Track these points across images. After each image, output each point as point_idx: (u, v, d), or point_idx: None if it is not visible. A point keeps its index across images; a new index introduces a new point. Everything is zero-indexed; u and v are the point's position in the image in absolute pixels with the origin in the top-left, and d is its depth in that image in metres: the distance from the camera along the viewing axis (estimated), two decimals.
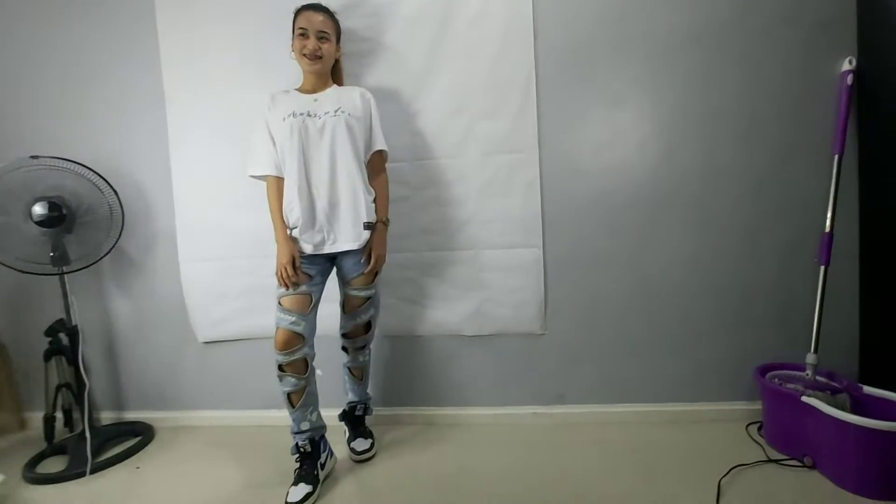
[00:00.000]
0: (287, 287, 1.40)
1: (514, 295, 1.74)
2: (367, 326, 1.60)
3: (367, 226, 1.48)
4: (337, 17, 1.54)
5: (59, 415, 1.88)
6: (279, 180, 1.46)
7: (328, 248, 1.46)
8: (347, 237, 1.47)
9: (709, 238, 1.65)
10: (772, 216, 1.62)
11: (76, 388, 1.82)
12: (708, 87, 1.61)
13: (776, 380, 1.54)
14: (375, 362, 1.81)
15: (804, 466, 1.37)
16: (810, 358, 1.49)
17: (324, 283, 1.51)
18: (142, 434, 1.89)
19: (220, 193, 1.83)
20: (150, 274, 1.96)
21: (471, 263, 1.75)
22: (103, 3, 1.85)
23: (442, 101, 1.71)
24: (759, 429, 1.58)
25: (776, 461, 1.42)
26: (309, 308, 1.43)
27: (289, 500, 1.32)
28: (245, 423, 1.93)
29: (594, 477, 1.42)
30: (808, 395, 1.37)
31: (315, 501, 1.35)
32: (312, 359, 1.46)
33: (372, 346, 1.68)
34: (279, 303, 1.41)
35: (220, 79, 1.80)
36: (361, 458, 1.58)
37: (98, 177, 1.74)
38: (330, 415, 1.62)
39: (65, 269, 1.72)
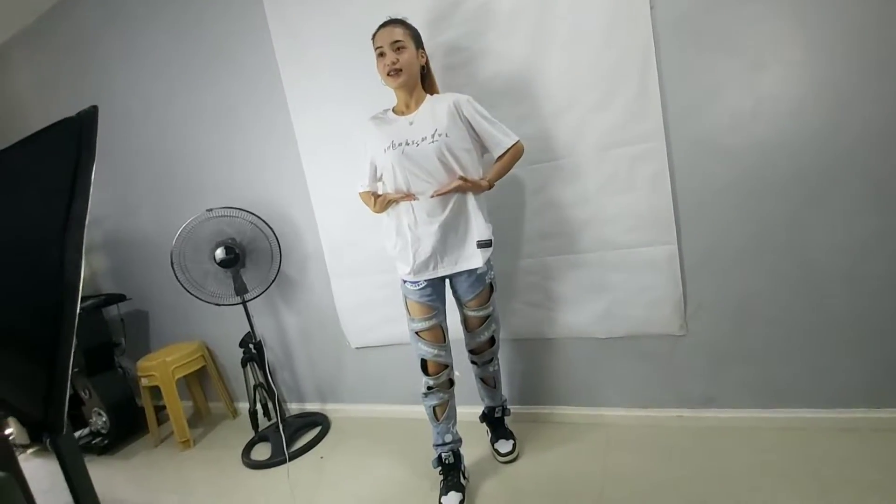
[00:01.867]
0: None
1: (644, 294, 1.63)
2: (491, 342, 1.64)
3: (482, 244, 1.48)
4: (426, 28, 1.53)
5: (259, 408, 2.34)
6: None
7: (440, 271, 1.50)
8: (461, 261, 1.49)
9: (889, 219, 1.34)
10: None
11: (268, 388, 2.23)
12: (890, 25, 1.26)
13: None
14: (511, 362, 1.87)
15: None
16: None
17: (444, 304, 1.58)
18: (321, 424, 2.26)
19: (353, 217, 1.99)
20: (308, 290, 2.27)
21: (596, 265, 1.67)
22: (235, 59, 2.10)
23: (548, 99, 1.61)
24: None
25: None
26: (445, 337, 1.54)
27: None
28: (393, 416, 2.17)
29: (759, 491, 1.32)
30: None
31: None
32: (453, 377, 1.57)
33: (499, 354, 1.73)
34: (419, 335, 1.53)
35: (338, 116, 1.94)
36: (506, 460, 1.67)
37: (257, 217, 2.04)
38: (467, 412, 1.74)
39: (245, 297, 2.09)
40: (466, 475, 1.59)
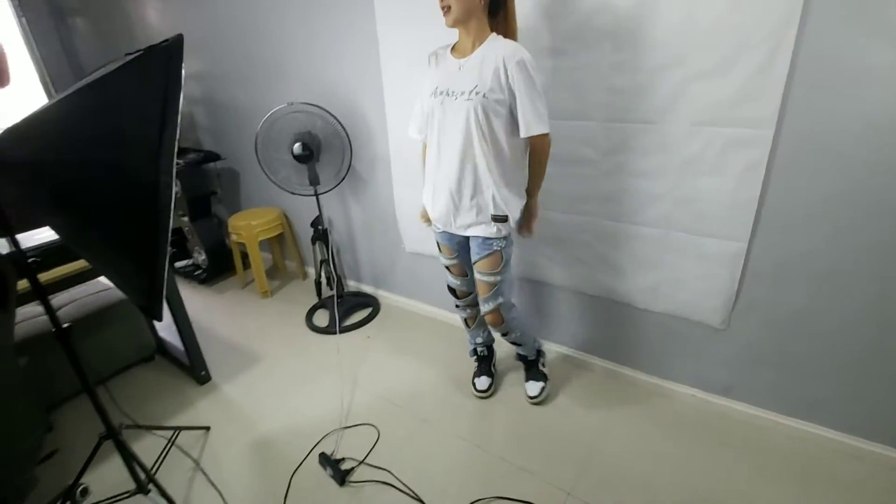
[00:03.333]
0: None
1: (697, 282, 1.57)
2: (499, 317, 1.60)
3: (496, 218, 1.45)
4: None
5: (323, 279, 2.68)
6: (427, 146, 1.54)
7: (454, 230, 1.53)
8: (471, 224, 1.49)
9: None
10: None
11: (331, 266, 2.52)
12: None
13: None
14: (550, 304, 1.98)
15: None
16: None
17: (468, 253, 1.60)
18: (372, 306, 2.57)
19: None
20: (373, 189, 2.39)
21: (657, 242, 1.60)
22: None
23: (653, 50, 1.39)
24: None
25: None
26: (467, 273, 1.65)
27: (478, 387, 1.81)
28: (434, 317, 2.42)
29: (740, 493, 1.43)
30: None
31: (495, 389, 1.83)
32: None
33: (519, 319, 1.72)
34: (446, 267, 1.69)
35: (422, 17, 1.79)
36: (533, 402, 1.80)
37: (333, 117, 2.08)
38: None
39: (317, 188, 2.25)
40: (496, 368, 1.88)
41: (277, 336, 2.42)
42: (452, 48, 1.44)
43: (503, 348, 1.96)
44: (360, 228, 2.58)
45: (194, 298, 2.93)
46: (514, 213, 1.48)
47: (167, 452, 1.64)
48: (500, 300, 1.58)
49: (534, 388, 1.82)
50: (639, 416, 1.73)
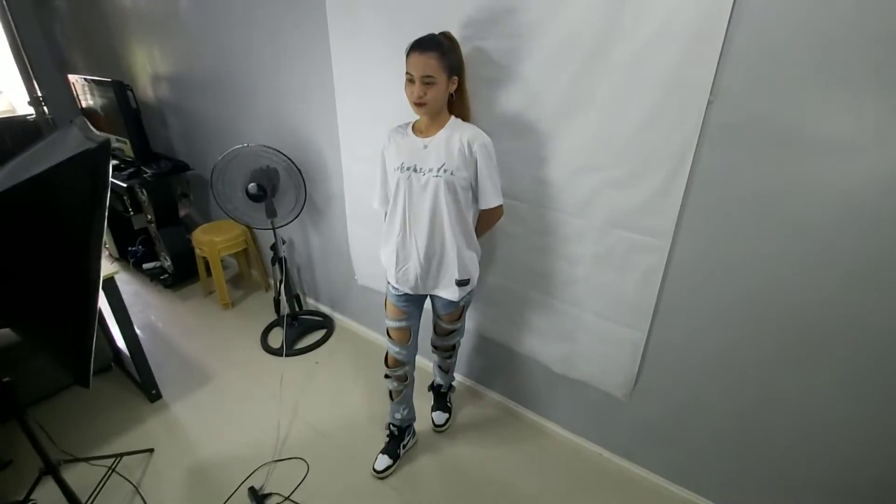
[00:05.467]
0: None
1: (603, 359, 1.71)
2: (454, 347, 1.86)
3: (460, 283, 1.58)
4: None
5: (282, 298, 2.78)
6: None
7: (420, 292, 1.64)
8: (440, 287, 1.61)
9: (863, 405, 1.27)
10: None
11: (287, 290, 2.62)
12: None
13: None
14: (476, 342, 2.11)
15: None
16: None
17: (421, 313, 1.75)
18: (327, 328, 2.69)
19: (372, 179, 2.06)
20: (329, 221, 2.47)
21: (574, 319, 1.72)
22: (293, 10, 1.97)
23: (575, 153, 1.48)
24: None
25: None
26: (409, 340, 1.73)
27: (375, 466, 1.85)
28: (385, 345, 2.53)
29: None
30: None
31: (393, 471, 1.86)
32: (412, 373, 1.82)
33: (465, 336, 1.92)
34: (388, 331, 1.74)
35: (377, 79, 1.85)
36: (438, 430, 2.02)
37: (285, 158, 2.16)
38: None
39: (274, 221, 2.33)
40: (405, 447, 1.93)
41: (231, 354, 2.54)
42: (412, 127, 1.54)
43: (421, 429, 2.03)
44: (317, 253, 2.68)
45: (158, 303, 3.04)
46: (475, 273, 1.62)
47: (107, 479, 1.78)
48: (458, 338, 1.86)
49: (440, 417, 2.03)
50: (550, 467, 1.88)
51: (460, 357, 2.15)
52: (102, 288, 1.89)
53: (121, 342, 2.34)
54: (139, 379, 2.18)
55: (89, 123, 1.43)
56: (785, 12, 1.06)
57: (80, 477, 1.74)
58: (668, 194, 1.34)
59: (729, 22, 1.11)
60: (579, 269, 1.63)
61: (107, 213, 1.23)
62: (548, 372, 1.90)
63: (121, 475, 1.81)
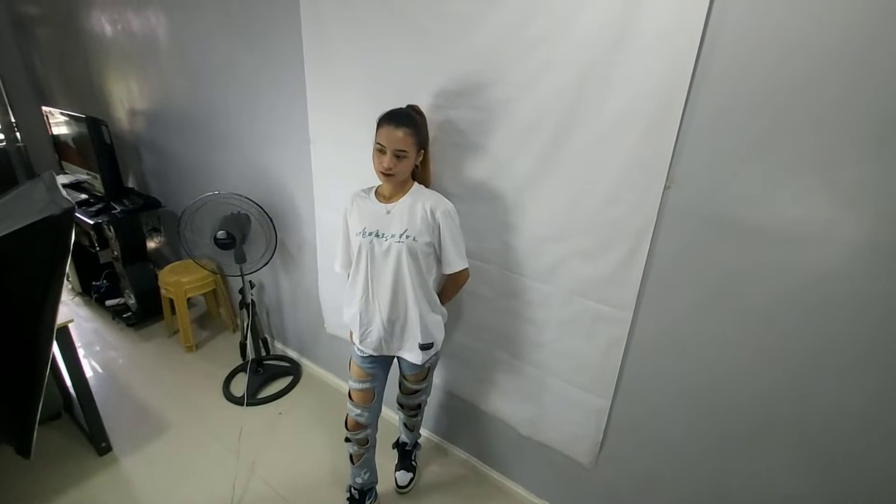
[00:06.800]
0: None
1: (568, 425, 1.69)
2: (420, 406, 1.83)
3: (423, 346, 1.57)
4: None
5: (248, 342, 2.71)
6: None
7: (385, 353, 1.62)
8: (404, 350, 1.60)
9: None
10: None
11: (254, 335, 2.56)
12: None
13: None
14: (443, 398, 2.07)
15: None
16: None
17: (386, 374, 1.72)
18: (293, 375, 2.62)
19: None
20: (301, 268, 2.44)
21: (539, 382, 1.71)
22: (266, 50, 1.99)
23: (540, 224, 1.50)
24: None
25: None
26: (372, 401, 1.69)
27: None
28: None
29: None
30: None
31: None
32: (374, 437, 1.77)
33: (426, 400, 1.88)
34: (349, 392, 1.70)
35: (352, 134, 1.87)
36: (401, 491, 1.96)
37: (257, 206, 2.14)
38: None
39: (242, 267, 2.29)
40: None
41: (191, 401, 2.45)
42: (375, 192, 1.54)
43: (384, 490, 1.98)
44: (288, 298, 2.64)
45: (119, 343, 2.93)
46: (439, 336, 1.61)
47: None
48: (424, 398, 1.84)
49: (404, 477, 1.97)
50: None
51: (427, 412, 2.11)
52: (56, 333, 1.82)
53: (72, 389, 2.25)
54: (88, 430, 2.08)
55: (57, 180, 1.40)
56: (736, 111, 1.11)
57: None
58: (630, 268, 1.36)
59: (682, 117, 1.16)
60: (545, 333, 1.63)
61: (65, 274, 1.19)
62: (514, 433, 1.88)
63: None
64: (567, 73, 1.29)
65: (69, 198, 1.21)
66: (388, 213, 1.49)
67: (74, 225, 1.18)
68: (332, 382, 2.60)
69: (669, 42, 1.13)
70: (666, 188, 1.24)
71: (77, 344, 2.79)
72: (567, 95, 1.31)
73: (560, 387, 1.66)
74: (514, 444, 1.91)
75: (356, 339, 1.63)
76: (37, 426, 1.24)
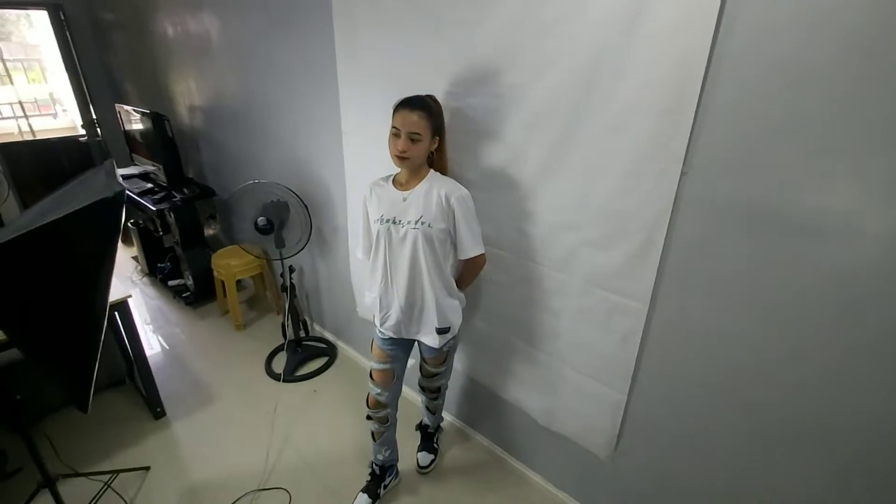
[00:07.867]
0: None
1: (585, 417, 1.67)
2: (440, 389, 1.87)
3: (440, 330, 1.61)
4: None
5: (289, 323, 2.87)
6: None
7: (404, 336, 1.67)
8: (422, 334, 1.64)
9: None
10: None
11: (294, 316, 2.71)
12: None
13: None
14: (461, 377, 2.11)
15: None
16: None
17: (406, 356, 1.77)
18: (329, 356, 2.76)
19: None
20: (335, 252, 2.55)
21: (553, 371, 1.70)
22: (304, 52, 2.09)
23: (554, 211, 1.49)
24: None
25: None
26: (392, 382, 1.75)
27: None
28: None
29: None
30: None
31: None
32: (394, 416, 1.83)
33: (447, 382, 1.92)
34: (371, 372, 1.77)
35: (379, 126, 1.92)
36: (422, 471, 2.02)
37: (294, 194, 2.26)
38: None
39: (282, 252, 2.43)
40: (385, 487, 1.92)
41: (237, 375, 2.64)
42: (393, 180, 1.59)
43: (406, 469, 2.03)
44: (324, 282, 2.77)
45: (178, 319, 3.20)
46: (456, 321, 1.65)
47: (102, 494, 1.87)
48: (444, 381, 1.87)
49: (425, 458, 2.02)
50: None
51: (450, 396, 2.15)
52: (118, 308, 2.03)
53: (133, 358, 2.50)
54: (146, 396, 2.30)
55: (116, 168, 1.55)
56: (758, 93, 1.05)
57: (76, 491, 1.84)
58: (646, 258, 1.32)
59: (699, 100, 1.10)
60: (561, 323, 1.61)
61: (116, 255, 1.34)
62: (532, 422, 1.87)
63: (115, 492, 1.90)
64: (581, 55, 1.26)
65: (123, 184, 1.35)
66: (405, 200, 1.53)
67: (124, 207, 1.31)
68: (364, 365, 2.70)
69: (685, 24, 1.07)
70: (683, 174, 1.19)
71: (145, 319, 3.14)
72: (580, 78, 1.28)
73: (576, 378, 1.64)
74: (533, 434, 1.91)
75: (377, 322, 1.69)
76: (93, 384, 1.40)
